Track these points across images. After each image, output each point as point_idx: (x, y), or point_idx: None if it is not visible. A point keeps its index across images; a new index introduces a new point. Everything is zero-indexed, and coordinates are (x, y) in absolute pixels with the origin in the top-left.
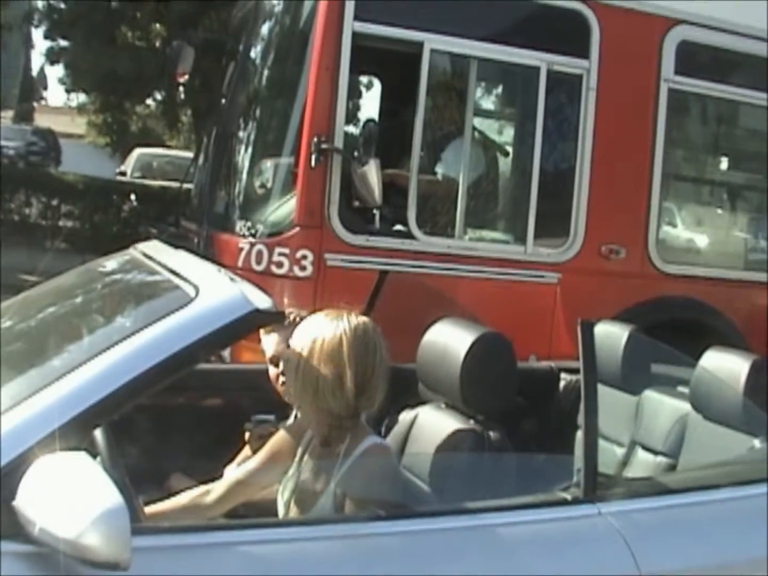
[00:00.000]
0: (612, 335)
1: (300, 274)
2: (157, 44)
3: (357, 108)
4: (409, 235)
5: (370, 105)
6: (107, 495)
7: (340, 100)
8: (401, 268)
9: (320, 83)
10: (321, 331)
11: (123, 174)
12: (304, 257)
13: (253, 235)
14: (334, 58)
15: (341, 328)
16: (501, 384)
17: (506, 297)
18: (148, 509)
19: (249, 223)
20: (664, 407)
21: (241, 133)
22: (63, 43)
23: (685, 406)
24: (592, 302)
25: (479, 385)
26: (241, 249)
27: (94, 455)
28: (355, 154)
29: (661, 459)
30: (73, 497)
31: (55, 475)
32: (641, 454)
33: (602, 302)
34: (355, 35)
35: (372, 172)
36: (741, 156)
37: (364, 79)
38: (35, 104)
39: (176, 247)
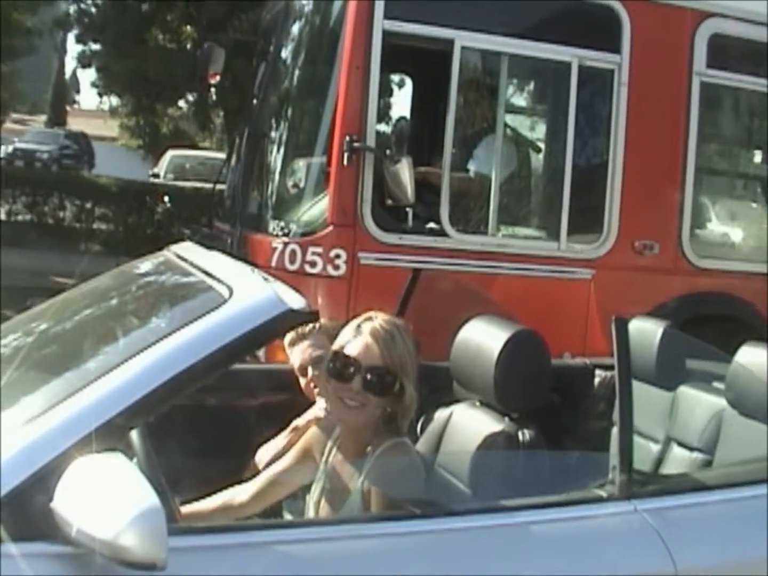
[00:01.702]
0: (646, 331)
1: (333, 273)
2: (188, 46)
3: (388, 106)
4: (442, 233)
5: (402, 103)
6: (143, 496)
7: (371, 99)
8: (434, 266)
9: (351, 82)
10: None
11: (156, 176)
12: (338, 256)
13: (287, 235)
14: (364, 56)
15: (407, 339)
16: (535, 382)
17: (540, 294)
18: (184, 509)
19: (282, 223)
20: (699, 403)
21: (272, 133)
22: (94, 46)
23: (721, 402)
24: (626, 298)
25: (513, 383)
26: (275, 249)
27: (130, 456)
28: (387, 152)
29: (696, 455)
30: (109, 498)
31: (92, 476)
32: (677, 451)
33: (636, 298)
34: (386, 34)
35: (404, 170)
36: None
37: (395, 77)
38: (68, 108)
39: (209, 248)
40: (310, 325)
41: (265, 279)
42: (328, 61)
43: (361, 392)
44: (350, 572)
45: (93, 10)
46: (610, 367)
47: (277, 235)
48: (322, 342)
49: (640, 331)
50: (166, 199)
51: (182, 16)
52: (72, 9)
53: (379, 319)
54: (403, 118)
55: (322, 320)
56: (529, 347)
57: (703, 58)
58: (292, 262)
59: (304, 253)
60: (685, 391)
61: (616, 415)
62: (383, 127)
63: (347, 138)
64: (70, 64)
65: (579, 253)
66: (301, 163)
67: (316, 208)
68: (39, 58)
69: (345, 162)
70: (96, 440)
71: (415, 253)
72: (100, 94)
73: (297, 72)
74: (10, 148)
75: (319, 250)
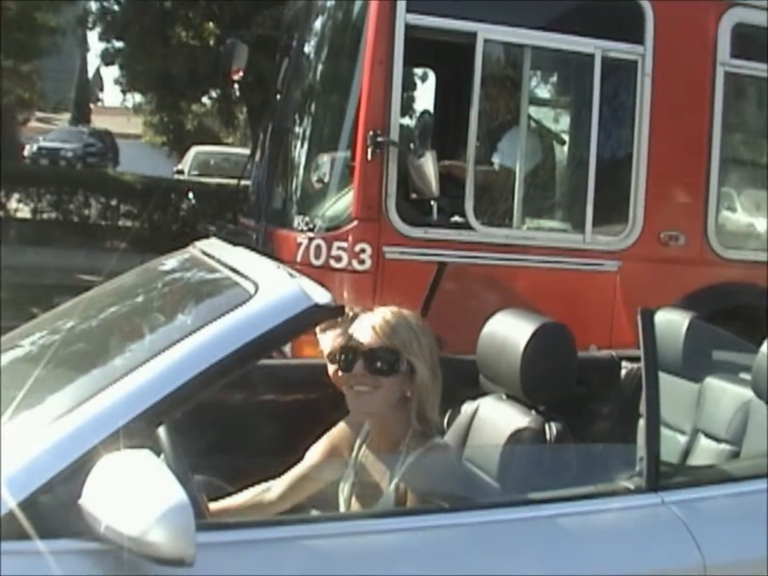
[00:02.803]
0: (673, 323)
1: (359, 267)
2: (211, 43)
3: (412, 100)
4: (467, 226)
5: (425, 97)
6: (171, 492)
7: (394, 93)
8: (460, 259)
9: (374, 77)
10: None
11: (180, 172)
12: (363, 251)
13: (312, 230)
14: (387, 51)
15: (411, 321)
16: (561, 374)
17: (565, 286)
18: (212, 506)
19: (307, 218)
20: (726, 394)
21: (296, 129)
22: (117, 44)
23: (748, 393)
24: (652, 290)
25: (540, 376)
26: (300, 244)
27: (157, 453)
28: (411, 146)
29: (724, 446)
30: (137, 495)
31: (120, 473)
32: (704, 442)
33: (662, 289)
34: (408, 27)
35: (428, 164)
36: None
37: (418, 71)
38: (92, 106)
39: (235, 244)
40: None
41: (291, 274)
42: (351, 56)
43: (366, 375)
44: (379, 567)
45: (115, 8)
46: (637, 359)
47: (302, 231)
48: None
49: (666, 322)
50: (190, 195)
51: (204, 13)
52: (94, 7)
53: (380, 309)
54: (426, 111)
55: (355, 309)
56: (555, 340)
57: (726, 47)
58: (317, 257)
59: (329, 248)
60: (711, 382)
61: (642, 407)
62: (407, 121)
63: (371, 132)
64: (93, 62)
65: (604, 245)
66: (325, 158)
67: (341, 203)
68: (62, 56)
69: (369, 156)
70: (123, 437)
71: (441, 247)
72: (124, 92)
73: (320, 67)
74: (35, 147)
75: (344, 244)
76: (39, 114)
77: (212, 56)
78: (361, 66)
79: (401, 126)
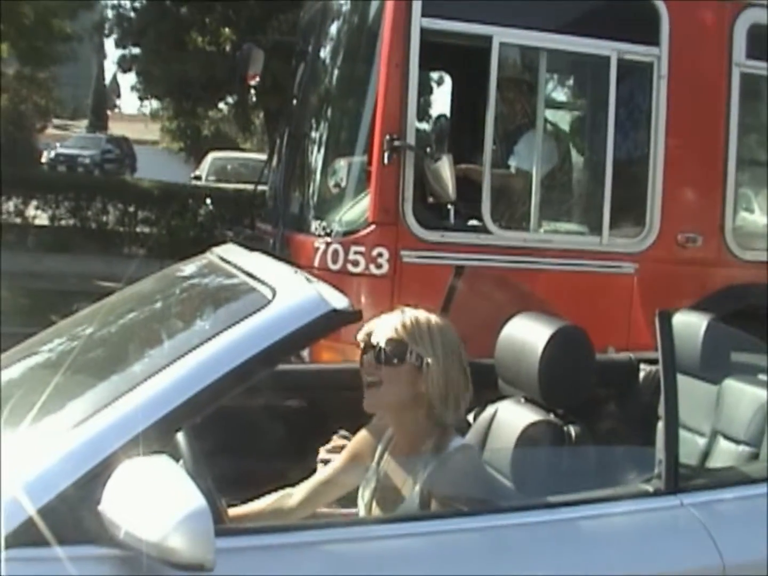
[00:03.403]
0: (691, 324)
1: (376, 272)
2: (227, 48)
3: (428, 104)
4: (484, 230)
5: (441, 100)
6: (190, 498)
7: (410, 97)
8: (477, 263)
9: (390, 81)
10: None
11: (198, 178)
12: (380, 255)
13: (329, 235)
14: (403, 55)
15: (427, 320)
16: (580, 377)
17: (583, 288)
18: (232, 511)
19: (324, 223)
20: (745, 396)
21: (312, 134)
22: (134, 50)
23: (767, 394)
24: (670, 291)
25: (558, 379)
26: (317, 249)
27: (176, 458)
28: (428, 150)
29: (743, 448)
30: (157, 500)
31: (139, 478)
32: (723, 444)
33: (680, 291)
34: (424, 31)
35: (445, 168)
36: None
37: (434, 75)
38: (109, 112)
39: (251, 249)
40: None
41: (308, 280)
42: (367, 60)
43: (374, 365)
44: (399, 570)
45: (132, 14)
46: (655, 362)
47: (319, 235)
48: None
49: (684, 324)
50: (208, 201)
51: (221, 19)
52: (111, 14)
53: (401, 308)
54: (442, 115)
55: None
56: (573, 343)
57: (742, 48)
58: (334, 261)
59: (346, 253)
60: (730, 384)
61: (661, 409)
62: (424, 125)
63: (387, 137)
64: (110, 68)
65: (622, 248)
66: (341, 163)
67: (358, 208)
68: (79, 63)
69: (386, 161)
70: (142, 443)
71: (458, 251)
72: (141, 98)
73: (336, 72)
74: (53, 154)
75: (362, 249)
76: (56, 121)
77: (229, 61)
78: (377, 70)
79: (418, 129)
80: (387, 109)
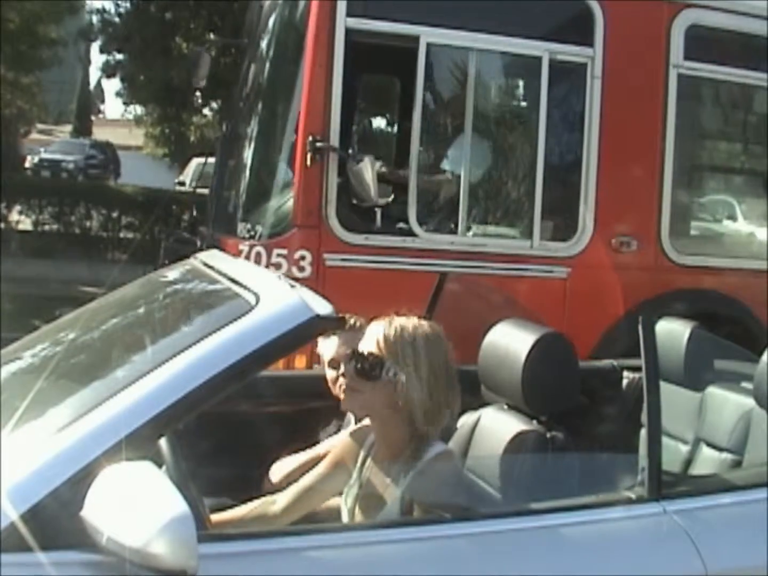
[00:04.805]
0: (674, 332)
1: (299, 275)
2: (213, 54)
3: (353, 105)
4: (409, 233)
5: (368, 102)
6: (173, 503)
7: (335, 98)
8: (402, 266)
9: (314, 81)
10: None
11: (182, 184)
12: (303, 258)
13: (253, 237)
14: (327, 55)
15: (413, 333)
16: (563, 384)
17: (514, 293)
18: (215, 517)
19: (249, 225)
20: (727, 403)
21: (244, 135)
22: (119, 56)
23: (749, 402)
24: (605, 296)
25: (541, 386)
26: (241, 251)
27: (159, 464)
28: (350, 151)
29: (726, 456)
30: (139, 506)
31: (122, 484)
32: (706, 451)
33: (615, 296)
34: (349, 31)
35: (367, 170)
36: (756, 141)
37: (360, 75)
38: (93, 118)
39: (179, 250)
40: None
41: (292, 286)
42: (294, 61)
43: (352, 377)
44: None
45: (117, 20)
46: (638, 369)
47: (244, 238)
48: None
49: (667, 331)
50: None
51: (206, 24)
52: (96, 19)
53: (394, 318)
54: (366, 116)
55: (359, 318)
56: (556, 350)
57: (680, 49)
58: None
59: (269, 255)
60: (713, 391)
61: (644, 417)
62: (348, 127)
63: (310, 138)
64: (94, 74)
65: (553, 251)
66: (268, 165)
67: (282, 210)
68: (64, 68)
69: (309, 162)
70: (125, 449)
71: (383, 254)
72: (125, 104)
73: (266, 72)
74: (36, 159)
75: (284, 252)
76: (40, 126)
77: (213, 67)
78: (302, 70)
79: (342, 131)
80: (310, 110)
